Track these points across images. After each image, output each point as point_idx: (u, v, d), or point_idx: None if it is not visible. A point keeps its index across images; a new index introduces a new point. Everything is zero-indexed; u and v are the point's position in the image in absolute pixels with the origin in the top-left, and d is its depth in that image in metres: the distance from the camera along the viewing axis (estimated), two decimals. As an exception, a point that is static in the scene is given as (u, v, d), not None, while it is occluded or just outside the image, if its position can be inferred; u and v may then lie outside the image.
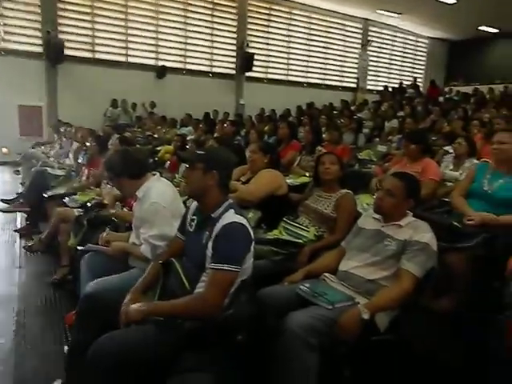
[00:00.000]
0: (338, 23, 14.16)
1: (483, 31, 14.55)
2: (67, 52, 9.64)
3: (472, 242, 2.27)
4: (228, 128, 5.72)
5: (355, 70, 14.71)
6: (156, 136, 7.57)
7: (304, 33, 13.55)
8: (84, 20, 10.05)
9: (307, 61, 13.78)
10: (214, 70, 12.09)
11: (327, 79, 14.27)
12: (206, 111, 9.92)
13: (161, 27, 11.02)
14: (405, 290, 1.74)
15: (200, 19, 11.54)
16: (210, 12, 11.69)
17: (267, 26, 12.81)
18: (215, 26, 11.88)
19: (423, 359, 2.18)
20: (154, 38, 11.01)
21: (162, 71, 10.87)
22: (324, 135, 5.62)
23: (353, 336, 1.63)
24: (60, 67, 9.67)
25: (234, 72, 12.35)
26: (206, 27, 11.70)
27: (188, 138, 5.98)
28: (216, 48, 12.03)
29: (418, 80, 15.40)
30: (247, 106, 12.02)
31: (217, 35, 11.92)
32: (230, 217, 1.60)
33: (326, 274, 2.02)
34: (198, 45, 11.65)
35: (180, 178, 4.22)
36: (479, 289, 2.42)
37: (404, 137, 3.28)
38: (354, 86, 14.73)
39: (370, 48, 14.89)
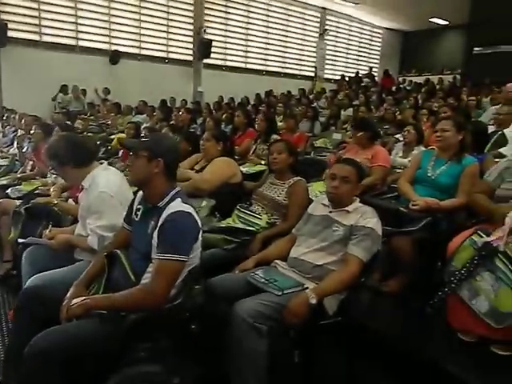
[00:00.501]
0: (296, 11, 14.18)
1: (434, 23, 15.10)
2: (11, 34, 9.04)
3: (416, 226, 2.37)
4: (183, 116, 5.61)
5: (313, 59, 14.83)
6: (110, 124, 7.29)
7: (263, 20, 13.47)
8: (29, -1, 9.45)
9: (266, 49, 13.75)
10: (171, 56, 11.78)
11: (286, 67, 14.31)
12: (162, 98, 9.68)
13: (113, 10, 10.55)
14: (351, 274, 1.78)
15: (155, 3, 11.17)
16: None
17: (225, 13, 12.61)
18: (171, 10, 11.55)
19: (374, 341, 2.27)
20: (106, 21, 10.53)
21: (115, 56, 10.46)
22: (281, 123, 5.67)
23: (301, 321, 1.66)
24: (3, 50, 9.06)
25: (191, 59, 12.11)
26: (161, 11, 11.35)
27: (143, 126, 5.82)
28: (172, 33, 11.71)
29: (374, 69, 15.77)
30: (206, 93, 11.84)
31: (173, 20, 11.60)
32: (177, 206, 1.56)
33: (277, 261, 2.04)
34: (153, 29, 11.29)
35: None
36: (424, 270, 2.55)
37: (352, 125, 3.36)
38: (312, 74, 14.87)
39: (328, 37, 15.05)
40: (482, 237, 2.03)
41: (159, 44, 11.53)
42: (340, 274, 1.78)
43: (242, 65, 13.24)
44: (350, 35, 15.96)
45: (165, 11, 11.43)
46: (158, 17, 11.30)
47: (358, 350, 2.12)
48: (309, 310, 1.67)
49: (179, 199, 1.60)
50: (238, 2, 12.79)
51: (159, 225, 1.54)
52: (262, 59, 13.69)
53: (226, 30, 12.72)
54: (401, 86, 13.24)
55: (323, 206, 2.05)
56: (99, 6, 10.34)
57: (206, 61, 12.15)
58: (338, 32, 15.48)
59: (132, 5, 10.85)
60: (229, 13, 12.65)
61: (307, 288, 1.78)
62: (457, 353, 2.02)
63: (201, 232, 1.62)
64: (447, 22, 14.86)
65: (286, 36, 14.08)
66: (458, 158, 2.53)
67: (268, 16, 13.56)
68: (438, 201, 2.44)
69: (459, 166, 2.51)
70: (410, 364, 2.06)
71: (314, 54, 14.80)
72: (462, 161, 2.52)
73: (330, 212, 1.98)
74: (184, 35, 11.93)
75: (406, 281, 2.61)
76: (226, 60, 12.89)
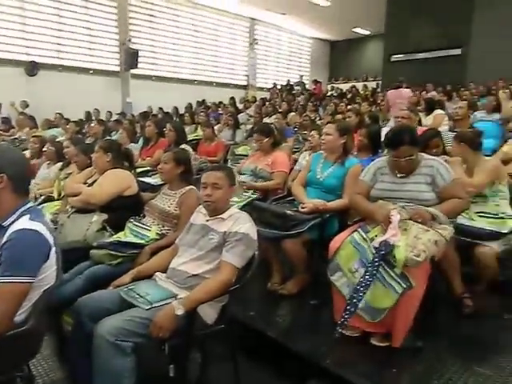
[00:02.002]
0: (225, 21, 14.32)
1: (357, 33, 15.96)
2: None
3: (304, 228, 2.43)
4: (95, 128, 5.40)
5: (245, 68, 15.05)
6: (24, 138, 6.86)
7: (191, 30, 13.45)
8: None
9: (197, 58, 13.72)
10: (96, 66, 11.38)
11: (218, 77, 14.37)
12: (87, 110, 9.31)
13: (29, 19, 9.99)
14: (223, 281, 1.77)
15: (75, 12, 10.76)
16: (84, 4, 10.94)
17: (151, 22, 12.44)
18: (94, 19, 11.18)
19: (263, 344, 2.28)
20: (21, 30, 9.95)
21: (32, 67, 9.90)
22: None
23: (168, 333, 1.61)
24: None
25: (118, 69, 11.78)
26: (82, 20, 10.95)
27: (58, 140, 5.53)
28: (96, 43, 11.33)
29: (305, 77, 16.28)
30: (136, 104, 11.55)
31: (96, 30, 11.23)
32: (22, 223, 1.46)
33: (158, 273, 1.99)
34: (74, 39, 10.85)
35: (36, 182, 3.88)
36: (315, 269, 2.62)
37: (256, 131, 3.40)
38: (245, 83, 15.07)
39: (258, 46, 15.37)
40: (361, 234, 2.13)
41: (82, 54, 11.10)
42: (209, 283, 1.77)
43: (173, 74, 13.11)
44: (279, 44, 16.40)
45: (86, 20, 11.04)
46: (79, 26, 10.88)
47: (246, 354, 2.12)
48: (177, 321, 1.63)
49: (27, 216, 1.50)
50: (164, 12, 12.69)
51: (1, 245, 1.43)
52: (193, 69, 13.64)
53: (153, 40, 12.54)
54: (329, 92, 13.80)
55: (202, 214, 2.03)
56: (12, 14, 9.74)
57: (133, 71, 11.88)
58: (267, 41, 15.85)
59: (50, 14, 10.37)
60: (155, 22, 12.49)
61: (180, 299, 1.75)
62: (338, 348, 2.08)
63: (53, 249, 1.52)
64: (368, 32, 15.78)
65: (217, 45, 14.17)
66: (342, 160, 2.64)
67: (197, 26, 13.56)
68: (325, 202, 2.52)
69: (343, 167, 2.62)
70: (296, 362, 2.09)
71: (246, 63, 15.02)
72: (346, 163, 2.63)
73: (207, 220, 1.97)
74: (109, 45, 11.59)
75: (303, 281, 2.67)
76: (156, 70, 12.69)
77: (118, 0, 11.47)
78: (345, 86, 14.40)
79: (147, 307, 1.68)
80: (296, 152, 4.87)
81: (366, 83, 14.14)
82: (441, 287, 2.42)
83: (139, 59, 11.70)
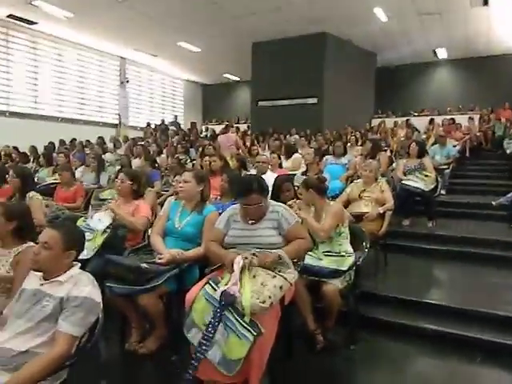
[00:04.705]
0: (93, 58, 13.77)
1: (228, 78, 16.89)
2: None
3: (159, 281, 2.34)
4: None
5: (116, 107, 14.55)
6: None
7: (55, 65, 12.57)
8: None
9: (61, 94, 12.79)
10: None
11: (86, 114, 13.57)
12: None
13: None
14: (57, 355, 1.55)
15: None
16: None
17: (6, 54, 11.29)
18: None
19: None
20: None
21: None
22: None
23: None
24: None
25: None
26: None
27: None
28: None
29: (180, 118, 16.42)
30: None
31: None
32: None
33: (-23, 356, 1.67)
34: None
35: None
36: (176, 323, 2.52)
37: (121, 172, 3.24)
38: (116, 122, 14.52)
39: (130, 85, 15.07)
40: (212, 286, 2.12)
41: None
42: (39, 360, 1.54)
43: (32, 110, 11.94)
44: (152, 85, 16.36)
45: None
46: None
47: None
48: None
49: None
50: (20, 44, 11.65)
51: None
52: (56, 105, 12.65)
53: (7, 73, 11.35)
54: (203, 133, 14.12)
55: (36, 277, 1.80)
56: None
57: (-19, 105, 10.51)
58: (139, 81, 15.67)
59: None
60: (10, 54, 11.37)
61: None
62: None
63: None
64: (238, 78, 16.81)
65: (83, 82, 13.45)
66: (200, 208, 2.65)
67: (61, 61, 12.74)
68: (181, 251, 2.47)
69: (201, 215, 2.63)
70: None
71: (117, 102, 14.55)
72: (204, 211, 2.65)
73: (42, 285, 1.74)
74: None
75: (162, 337, 2.55)
76: (10, 105, 11.43)
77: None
78: (218, 128, 14.89)
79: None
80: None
81: (238, 125, 14.85)
82: (297, 324, 2.55)
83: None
